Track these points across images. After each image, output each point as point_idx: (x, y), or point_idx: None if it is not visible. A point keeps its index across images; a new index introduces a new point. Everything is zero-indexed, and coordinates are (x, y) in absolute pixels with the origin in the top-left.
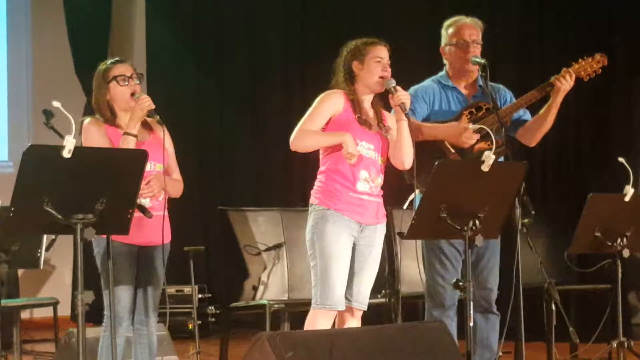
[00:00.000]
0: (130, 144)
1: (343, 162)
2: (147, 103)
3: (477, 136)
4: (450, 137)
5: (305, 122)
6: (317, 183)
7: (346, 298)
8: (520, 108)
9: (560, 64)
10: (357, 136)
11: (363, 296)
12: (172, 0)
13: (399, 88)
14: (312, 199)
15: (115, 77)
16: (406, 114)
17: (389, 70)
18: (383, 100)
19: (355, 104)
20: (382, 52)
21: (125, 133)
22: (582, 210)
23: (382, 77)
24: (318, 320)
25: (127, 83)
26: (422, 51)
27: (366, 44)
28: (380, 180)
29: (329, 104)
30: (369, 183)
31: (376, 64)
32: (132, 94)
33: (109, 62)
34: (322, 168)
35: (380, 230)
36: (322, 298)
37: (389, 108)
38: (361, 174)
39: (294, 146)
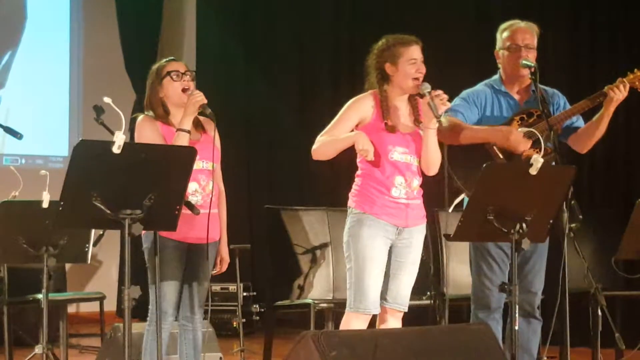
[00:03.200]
0: (183, 139)
1: (377, 166)
2: (200, 98)
3: (529, 143)
4: (499, 139)
5: (327, 130)
6: (354, 186)
7: (385, 300)
8: (572, 116)
9: (612, 74)
10: (389, 143)
11: (402, 297)
12: None
13: (436, 92)
14: (350, 202)
15: (169, 73)
16: (439, 120)
17: (424, 70)
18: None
19: (385, 108)
20: (415, 53)
21: (179, 129)
22: (630, 215)
23: (416, 79)
24: (352, 323)
25: (180, 79)
26: (469, 54)
27: (399, 45)
28: (417, 182)
29: (356, 111)
30: (405, 188)
31: (410, 65)
32: (184, 90)
33: (163, 60)
34: (358, 172)
35: (419, 232)
36: (356, 302)
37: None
38: (396, 180)
39: (314, 156)
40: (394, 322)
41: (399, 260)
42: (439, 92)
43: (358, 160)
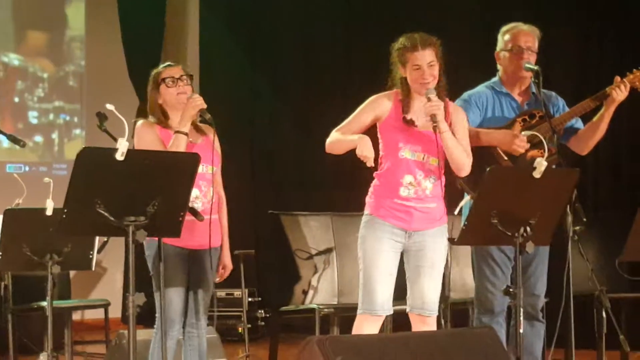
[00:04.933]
0: (181, 142)
1: (389, 166)
2: (199, 102)
3: (528, 145)
4: (503, 143)
5: (342, 125)
6: (370, 188)
7: (410, 307)
8: (574, 117)
9: (615, 74)
10: (400, 139)
11: (426, 302)
12: (227, 4)
13: (433, 98)
14: (365, 204)
15: (164, 80)
16: (434, 127)
17: (431, 74)
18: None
19: (405, 103)
20: (419, 59)
21: (177, 132)
22: (635, 218)
23: (423, 83)
24: (364, 326)
25: (175, 84)
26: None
27: (405, 50)
28: (430, 182)
29: (371, 108)
30: (415, 187)
31: (415, 71)
32: (179, 94)
33: (160, 66)
34: (375, 172)
35: (433, 235)
36: (364, 304)
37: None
38: (405, 179)
39: (326, 149)
40: (422, 328)
41: (416, 265)
42: (433, 100)
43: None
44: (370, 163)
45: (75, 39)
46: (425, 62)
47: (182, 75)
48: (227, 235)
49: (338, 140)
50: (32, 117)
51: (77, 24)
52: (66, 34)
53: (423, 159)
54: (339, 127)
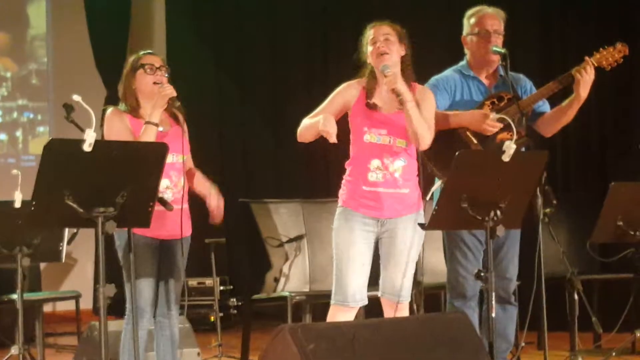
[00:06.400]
0: (151, 132)
1: (356, 152)
2: (169, 91)
3: (500, 125)
4: (472, 124)
5: (312, 114)
6: (342, 180)
7: (381, 292)
8: (541, 98)
9: (582, 53)
10: (365, 124)
11: (396, 288)
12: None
13: (388, 73)
14: (339, 196)
15: (142, 65)
16: (400, 98)
17: (386, 46)
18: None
19: (369, 88)
20: (374, 34)
21: (147, 122)
22: (604, 199)
23: (379, 55)
24: (337, 317)
25: (153, 72)
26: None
27: (366, 30)
28: (398, 164)
29: (340, 94)
30: (383, 171)
31: (372, 46)
32: (155, 83)
33: (141, 52)
34: (346, 163)
35: (404, 221)
36: (337, 295)
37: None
38: (372, 164)
39: (298, 138)
40: (391, 313)
41: (387, 252)
42: (389, 75)
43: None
44: (332, 139)
45: (37, 38)
46: (380, 34)
47: (161, 66)
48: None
49: (305, 126)
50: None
51: (38, 23)
52: (28, 33)
53: (390, 142)
54: (310, 115)
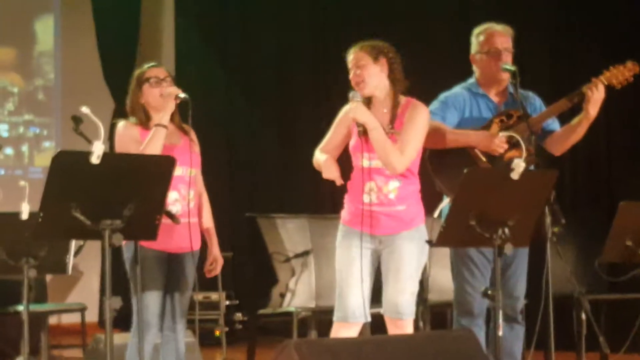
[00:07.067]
0: (160, 134)
1: (353, 175)
2: (172, 89)
3: (506, 145)
4: (481, 144)
5: (322, 144)
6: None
7: (383, 309)
8: (550, 116)
9: (591, 70)
10: (357, 149)
11: (397, 305)
12: (201, 6)
13: (353, 102)
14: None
15: (147, 79)
16: (359, 130)
17: (356, 78)
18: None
19: None
20: (349, 62)
21: (156, 125)
22: (613, 218)
23: (357, 84)
24: (339, 333)
25: (159, 85)
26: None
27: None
28: (393, 185)
29: (340, 124)
30: (377, 193)
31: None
32: (162, 95)
33: (145, 66)
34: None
35: (402, 237)
36: (337, 311)
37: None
38: (366, 187)
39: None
40: (394, 331)
41: (385, 268)
42: (351, 104)
43: None
44: (338, 183)
45: (44, 54)
46: (352, 64)
47: (166, 77)
48: (214, 230)
49: (316, 161)
50: (3, 130)
51: (45, 39)
52: (35, 49)
53: (381, 165)
54: (320, 145)
